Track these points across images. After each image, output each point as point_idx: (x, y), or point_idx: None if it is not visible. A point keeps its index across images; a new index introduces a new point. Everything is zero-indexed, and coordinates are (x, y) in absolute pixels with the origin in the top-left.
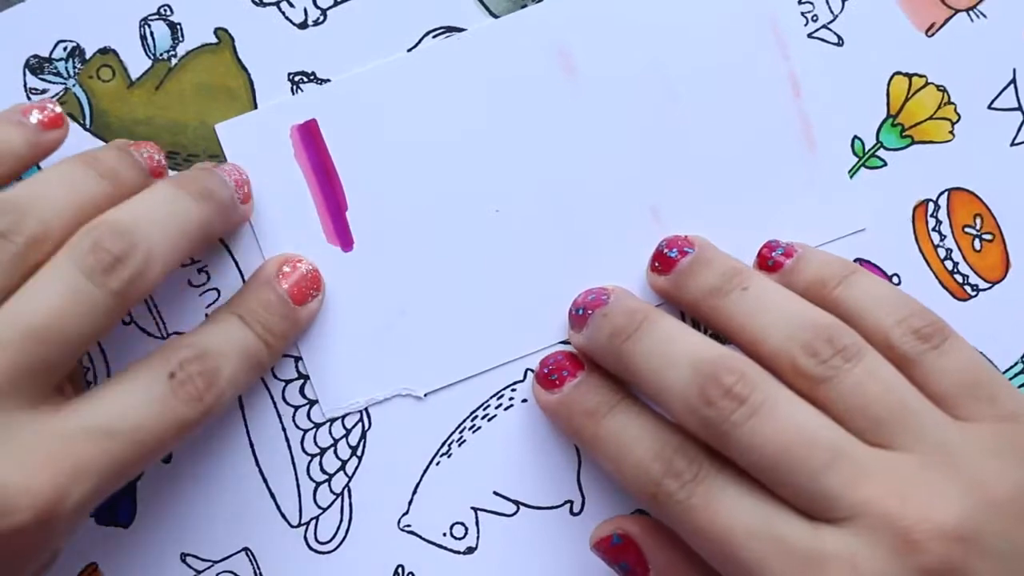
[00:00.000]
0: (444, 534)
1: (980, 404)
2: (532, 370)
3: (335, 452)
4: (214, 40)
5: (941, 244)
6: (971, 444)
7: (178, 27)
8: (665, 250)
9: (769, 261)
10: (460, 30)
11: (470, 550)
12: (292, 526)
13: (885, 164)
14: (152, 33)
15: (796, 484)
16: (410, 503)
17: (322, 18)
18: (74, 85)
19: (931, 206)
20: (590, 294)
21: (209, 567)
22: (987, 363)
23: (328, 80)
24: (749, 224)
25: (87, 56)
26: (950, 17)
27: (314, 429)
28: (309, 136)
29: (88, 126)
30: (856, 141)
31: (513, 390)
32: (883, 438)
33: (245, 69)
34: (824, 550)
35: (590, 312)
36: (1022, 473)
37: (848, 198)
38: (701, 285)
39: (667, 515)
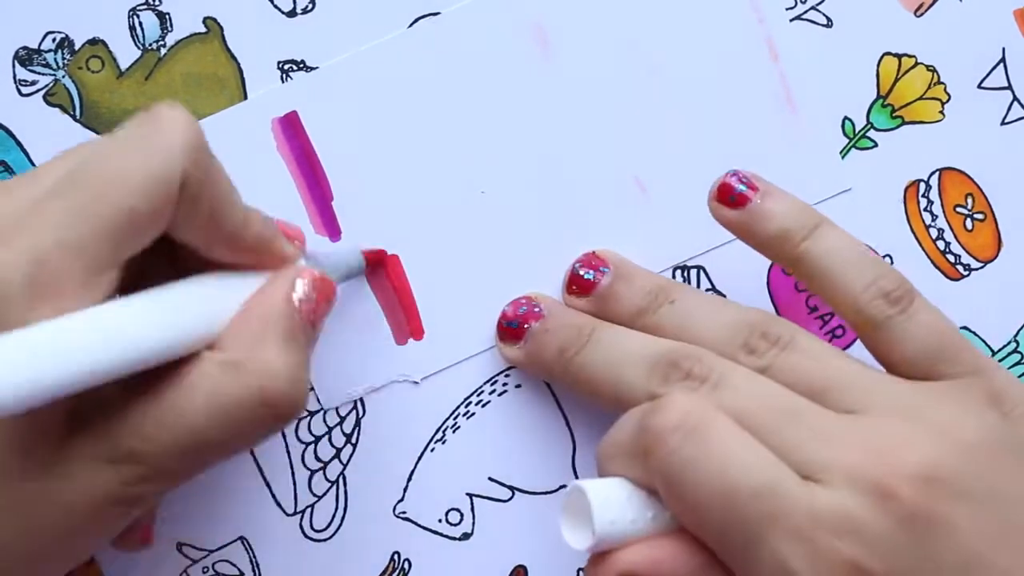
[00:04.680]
0: (440, 520)
1: (943, 366)
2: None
3: (329, 440)
4: (203, 29)
5: (933, 224)
6: (928, 398)
7: (167, 17)
8: (580, 271)
9: (731, 196)
10: None
11: (466, 536)
12: (287, 514)
13: (876, 145)
14: (141, 23)
15: (772, 447)
16: (405, 490)
17: (311, 6)
18: (63, 76)
19: (922, 186)
20: (520, 306)
21: (205, 556)
22: (951, 324)
23: (318, 68)
24: None
25: (76, 47)
26: None
27: (308, 417)
28: (291, 128)
29: (78, 117)
30: (846, 122)
31: (507, 375)
32: (833, 406)
33: (235, 58)
34: (817, 507)
35: (525, 326)
36: (985, 419)
37: (833, 159)
38: (627, 306)
39: (660, 457)
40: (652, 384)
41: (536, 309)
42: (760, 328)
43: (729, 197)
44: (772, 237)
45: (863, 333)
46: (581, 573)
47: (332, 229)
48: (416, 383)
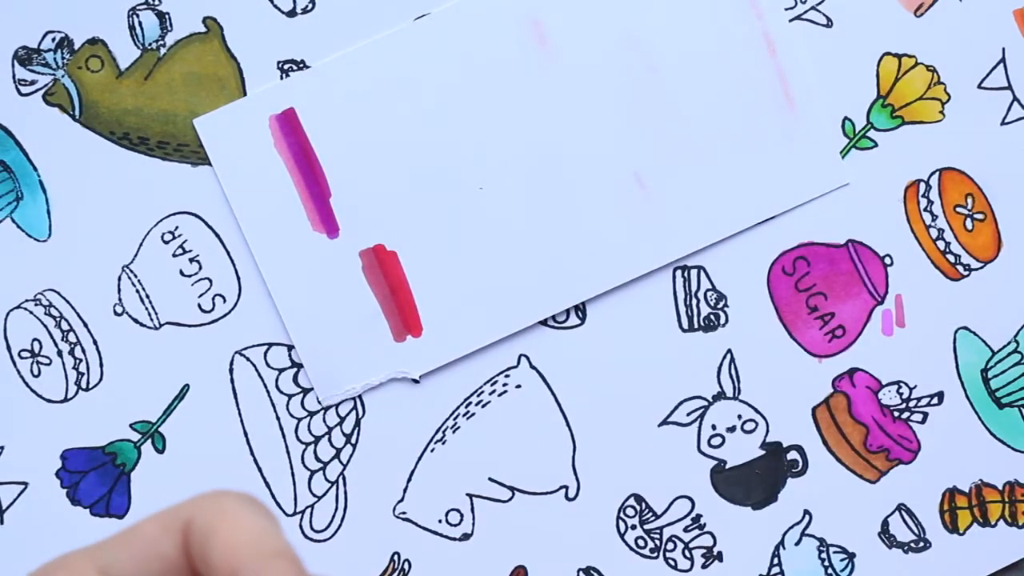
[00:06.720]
0: (440, 521)
1: None
2: (526, 356)
3: (329, 440)
4: (203, 29)
5: (933, 224)
6: None
7: (166, 16)
8: None
9: None
10: None
11: (466, 536)
12: (287, 515)
13: (876, 145)
14: (140, 23)
15: None
16: (405, 490)
17: (311, 5)
18: (63, 76)
19: (922, 186)
20: None
21: None
22: None
23: (315, 66)
24: (733, 185)
25: (75, 46)
26: None
27: (308, 417)
28: (288, 125)
29: (78, 117)
30: (847, 122)
31: (507, 376)
32: None
33: (234, 58)
34: None
35: None
36: None
37: (831, 154)
38: None
39: None
40: None
41: None
42: None
43: None
44: None
45: None
46: (581, 573)
47: (330, 226)
48: (416, 381)
